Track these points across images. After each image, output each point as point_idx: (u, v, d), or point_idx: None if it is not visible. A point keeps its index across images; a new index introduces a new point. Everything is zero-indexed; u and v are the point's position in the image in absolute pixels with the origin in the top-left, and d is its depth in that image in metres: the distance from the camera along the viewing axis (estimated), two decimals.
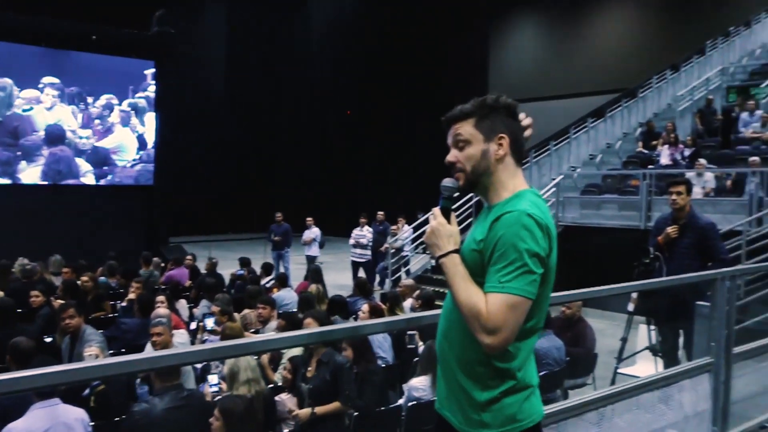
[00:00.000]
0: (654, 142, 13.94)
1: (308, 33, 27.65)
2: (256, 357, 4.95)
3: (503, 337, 1.76)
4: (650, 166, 12.68)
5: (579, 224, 12.06)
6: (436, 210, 1.97)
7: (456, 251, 1.91)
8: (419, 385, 4.72)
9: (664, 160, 12.86)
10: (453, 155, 1.99)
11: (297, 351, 5.12)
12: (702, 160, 11.51)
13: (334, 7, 27.37)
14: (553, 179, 13.16)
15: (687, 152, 12.72)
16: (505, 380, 1.87)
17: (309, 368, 4.46)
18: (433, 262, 13.15)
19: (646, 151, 14.04)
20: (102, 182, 15.34)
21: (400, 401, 4.96)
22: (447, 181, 2.01)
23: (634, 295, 5.55)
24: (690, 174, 11.10)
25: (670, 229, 5.06)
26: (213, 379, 4.75)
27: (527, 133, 2.05)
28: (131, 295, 7.37)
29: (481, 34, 24.15)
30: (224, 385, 4.54)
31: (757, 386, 4.52)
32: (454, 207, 2.04)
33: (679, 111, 15.45)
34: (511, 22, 25.28)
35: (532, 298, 1.79)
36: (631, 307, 5.59)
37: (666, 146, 13.02)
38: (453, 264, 1.88)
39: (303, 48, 27.32)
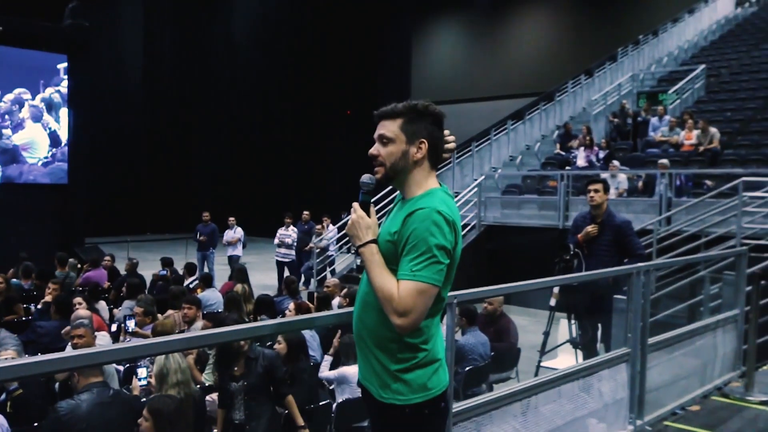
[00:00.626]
0: (570, 143, 14.44)
1: (229, 27, 27.22)
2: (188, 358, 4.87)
3: (412, 318, 1.99)
4: (567, 168, 13.14)
5: (500, 223, 12.36)
6: (356, 204, 2.18)
7: (374, 241, 2.12)
8: (348, 372, 4.80)
9: (581, 161, 13.35)
10: (376, 149, 2.19)
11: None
12: (615, 162, 12.02)
13: (256, 1, 27.03)
14: (475, 179, 13.45)
15: (602, 154, 13.23)
16: (415, 353, 2.10)
17: (236, 368, 4.39)
18: (358, 261, 13.24)
19: (563, 153, 14.53)
20: (12, 181, 14.60)
21: (330, 374, 5.04)
22: (365, 177, 2.21)
23: (556, 290, 5.76)
24: (604, 175, 11.56)
25: (590, 228, 5.27)
26: (142, 372, 4.64)
27: (449, 146, 2.29)
28: (47, 297, 7.09)
29: (403, 36, 24.41)
30: (153, 381, 4.43)
31: (669, 375, 4.77)
32: (374, 200, 2.25)
33: (593, 115, 16.06)
34: (432, 25, 25.67)
35: (439, 285, 2.02)
36: (552, 302, 5.79)
37: (582, 148, 13.51)
38: (371, 253, 2.10)
39: (224, 43, 26.89)
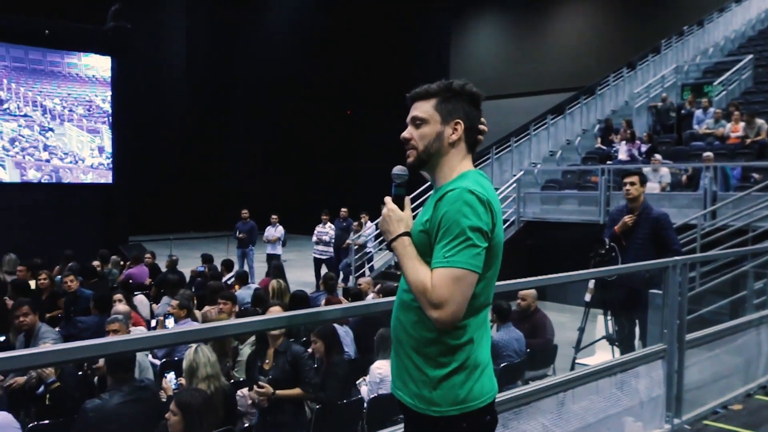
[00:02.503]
0: (611, 137, 14.19)
1: (267, 26, 27.45)
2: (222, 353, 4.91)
3: (450, 310, 1.79)
4: (608, 162, 12.90)
5: (539, 219, 12.21)
6: (387, 198, 2.02)
7: (406, 234, 1.95)
8: (379, 369, 4.77)
9: (622, 155, 13.09)
10: (408, 132, 2.04)
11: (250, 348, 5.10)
12: (658, 156, 11.75)
13: (295, 2, 27.21)
14: (514, 175, 13.30)
15: (644, 148, 12.96)
16: (456, 357, 1.89)
17: (266, 360, 4.42)
18: (395, 259, 13.18)
19: (604, 147, 14.28)
20: (59, 181, 14.99)
21: (363, 383, 5.02)
22: (397, 169, 2.06)
23: (591, 285, 5.65)
24: (646, 169, 11.32)
25: (627, 218, 5.14)
26: (172, 378, 4.70)
27: (481, 127, 2.09)
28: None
29: (442, 33, 24.28)
30: (183, 381, 4.49)
31: (710, 372, 4.64)
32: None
33: (635, 108, 15.73)
34: (472, 20, 25.47)
35: (477, 271, 1.82)
36: (587, 297, 5.68)
37: (623, 142, 13.25)
38: (403, 246, 1.93)
39: (262, 42, 27.12)
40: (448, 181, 1.97)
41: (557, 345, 6.37)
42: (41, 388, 4.47)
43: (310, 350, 4.95)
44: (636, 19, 21.16)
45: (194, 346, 4.29)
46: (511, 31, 24.64)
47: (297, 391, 4.33)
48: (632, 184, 5.15)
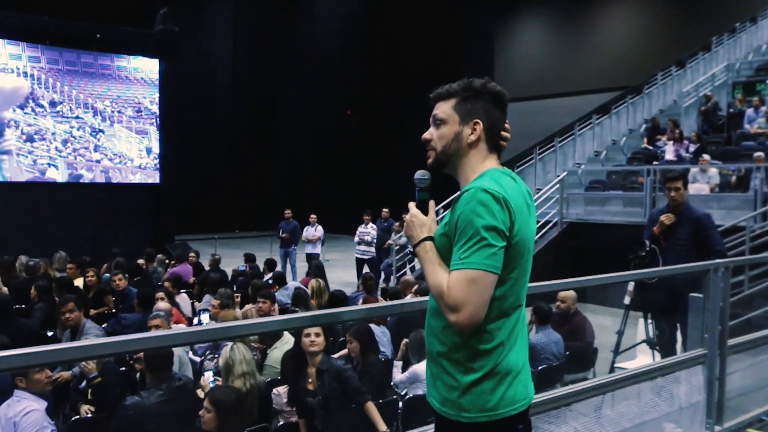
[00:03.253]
0: (659, 137, 13.90)
1: (311, 28, 27.64)
2: (252, 350, 4.97)
3: (468, 313, 1.75)
4: (655, 162, 12.64)
5: (583, 221, 12.03)
6: (411, 204, 2.00)
7: (429, 239, 1.93)
8: (421, 368, 4.78)
9: (669, 156, 12.82)
10: (429, 133, 2.04)
11: (285, 348, 5.13)
12: (706, 156, 11.47)
13: (339, 4, 27.35)
14: (558, 176, 13.12)
15: (692, 148, 12.67)
16: (486, 362, 1.85)
17: (309, 380, 4.33)
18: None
19: (650, 148, 14.00)
20: (108, 181, 15.39)
21: (401, 377, 5.01)
22: (419, 174, 2.05)
23: (630, 288, 5.54)
24: (694, 170, 11.07)
25: (663, 217, 5.00)
26: (209, 377, 4.77)
27: (504, 134, 2.04)
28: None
29: (486, 32, 24.09)
30: (219, 380, 4.56)
31: (755, 378, 4.51)
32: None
33: (684, 107, 15.37)
34: (516, 20, 25.24)
35: (493, 272, 1.77)
36: (627, 300, 5.57)
37: (671, 142, 12.97)
38: (424, 251, 1.91)
39: (307, 45, 27.32)
40: (469, 182, 1.93)
41: (597, 348, 6.26)
42: (84, 383, 4.59)
43: (345, 350, 4.95)
44: (685, 16, 20.68)
45: (230, 343, 4.36)
46: (556, 30, 24.33)
47: (373, 408, 4.17)
48: (677, 189, 4.99)
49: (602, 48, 22.49)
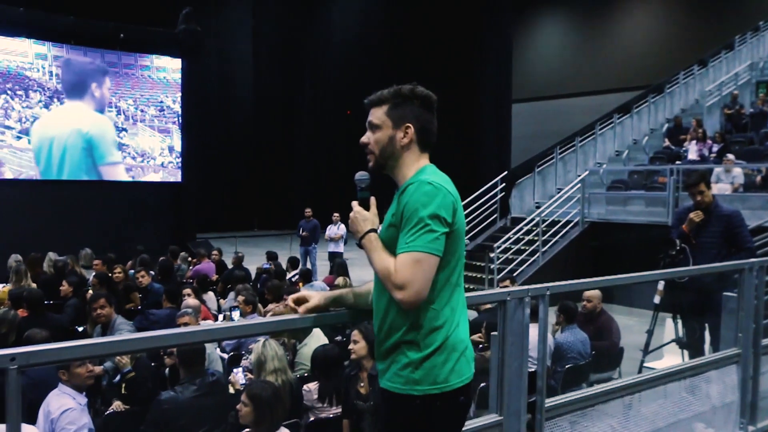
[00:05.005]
0: (682, 137, 13.81)
1: (330, 28, 27.71)
2: (283, 346, 5.00)
3: (413, 290, 1.94)
4: (678, 162, 12.57)
5: (605, 220, 11.99)
6: (354, 202, 2.19)
7: (372, 231, 2.11)
8: None
9: (692, 155, 12.74)
10: (365, 137, 2.20)
11: (314, 345, 5.15)
12: (730, 156, 11.38)
13: (358, 4, 27.40)
14: (579, 175, 13.08)
15: (715, 148, 12.57)
16: (436, 338, 2.02)
17: (361, 384, 4.36)
18: None
19: (673, 147, 13.91)
20: (131, 178, 15.54)
21: None
22: (359, 174, 2.24)
23: (660, 287, 5.52)
24: (718, 170, 10.99)
25: (693, 215, 4.98)
26: (240, 374, 4.81)
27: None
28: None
29: (504, 31, 24.05)
30: (251, 376, 4.60)
31: None
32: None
33: (707, 107, 15.25)
34: (535, 19, 25.14)
35: (436, 254, 1.96)
36: (657, 299, 5.55)
37: (693, 142, 12.89)
38: (369, 241, 2.08)
39: (327, 43, 27.39)
40: (407, 178, 2.11)
41: (623, 348, 6.25)
42: (117, 377, 4.66)
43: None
44: (708, 15, 20.50)
45: (262, 339, 4.40)
46: (576, 29, 24.21)
47: None
48: (701, 192, 4.99)
49: (623, 47, 22.34)
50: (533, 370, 4.77)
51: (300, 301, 2.28)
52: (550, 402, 2.94)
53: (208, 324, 5.99)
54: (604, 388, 3.25)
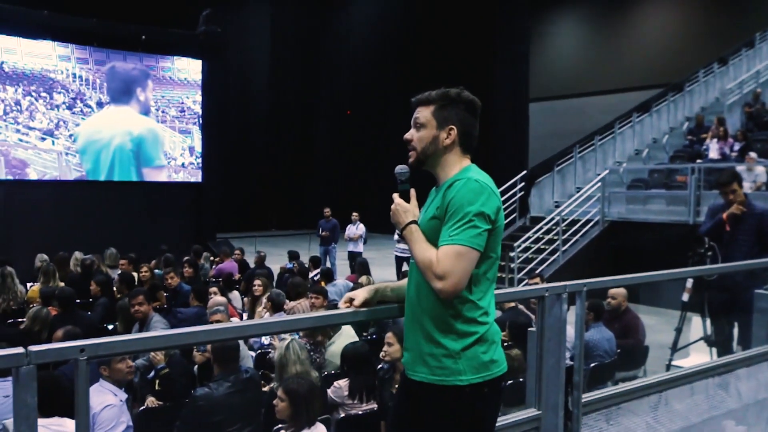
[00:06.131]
0: (703, 135, 13.74)
1: (348, 28, 27.78)
2: (307, 347, 5.05)
3: (452, 281, 2.01)
4: (698, 161, 12.51)
5: (625, 219, 11.97)
6: (395, 195, 2.27)
7: (413, 222, 2.18)
8: None
9: (713, 154, 12.67)
10: (410, 134, 2.28)
11: (343, 342, 5.20)
12: (752, 154, 11.32)
13: (375, 4, 27.46)
14: (598, 174, 13.06)
15: (736, 146, 12.50)
16: (477, 329, 2.10)
17: (396, 385, 4.38)
18: None
19: (694, 145, 13.85)
20: (154, 179, 15.70)
21: None
22: (399, 168, 2.31)
23: (689, 285, 5.52)
24: (740, 168, 10.92)
25: (735, 208, 4.98)
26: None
27: None
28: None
29: (521, 31, 23.96)
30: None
31: None
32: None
33: (727, 105, 15.16)
34: (552, 16, 25.03)
35: (477, 249, 2.03)
36: (685, 297, 5.55)
37: (715, 140, 12.82)
38: (411, 232, 2.16)
39: (344, 44, 27.47)
40: (450, 176, 2.18)
41: (648, 346, 6.25)
42: (152, 373, 4.74)
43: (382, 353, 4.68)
44: (728, 12, 20.32)
45: (287, 340, 4.44)
46: (595, 27, 24.10)
47: None
48: (733, 192, 4.99)
49: (642, 45, 22.20)
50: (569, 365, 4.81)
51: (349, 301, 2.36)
52: (587, 397, 2.98)
53: (241, 321, 6.06)
54: (637, 385, 3.28)
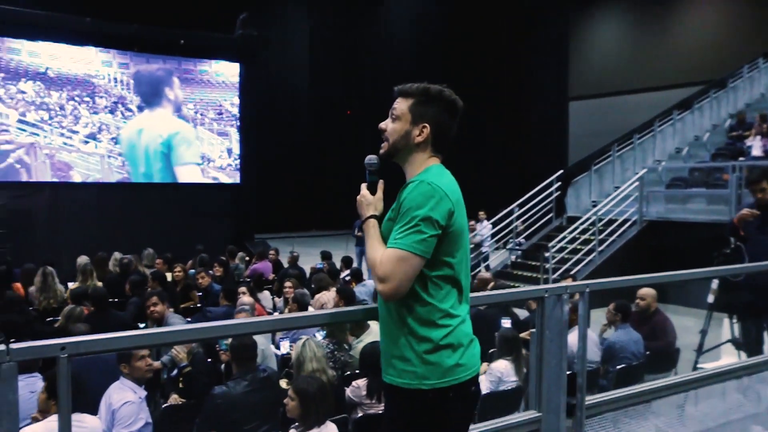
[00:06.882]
0: (746, 133, 13.38)
1: (388, 30, 27.85)
2: (324, 344, 5.09)
3: (392, 285, 1.99)
4: (741, 159, 12.19)
5: (664, 219, 11.74)
6: (363, 185, 2.29)
7: (374, 217, 2.19)
8: (499, 368, 4.80)
9: (756, 151, 12.34)
10: (384, 123, 2.26)
11: (373, 339, 5.23)
12: None
13: (412, 5, 27.47)
14: (637, 173, 12.83)
15: None
16: (436, 332, 2.05)
17: None
18: (512, 257, 13.12)
19: (736, 143, 13.50)
20: (193, 181, 16.00)
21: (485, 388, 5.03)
22: (369, 158, 2.32)
23: (714, 286, 5.40)
24: None
25: (746, 211, 4.87)
26: None
27: None
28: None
29: (560, 29, 23.71)
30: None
31: None
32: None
33: None
34: (591, 13, 24.64)
35: (420, 255, 1.99)
36: (710, 298, 5.43)
37: (758, 137, 12.48)
38: (368, 227, 2.17)
39: (382, 46, 27.56)
40: (412, 176, 2.15)
41: (679, 349, 6.12)
42: (175, 371, 4.84)
43: None
44: None
45: (303, 339, 4.51)
46: (635, 23, 23.62)
47: None
48: (762, 190, 4.86)
49: (683, 41, 21.69)
50: (588, 369, 4.75)
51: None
52: (591, 400, 2.94)
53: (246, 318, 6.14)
54: (646, 387, 3.23)
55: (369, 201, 2.25)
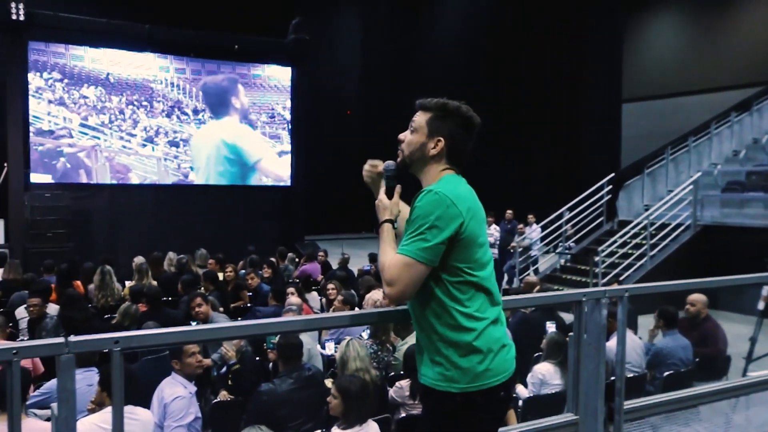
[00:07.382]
0: None
1: (440, 32, 27.84)
2: (368, 345, 5.17)
3: (397, 290, 2.07)
4: None
5: (719, 224, 11.46)
6: (381, 189, 2.35)
7: (389, 221, 2.26)
8: (541, 371, 4.81)
9: None
10: (403, 135, 2.38)
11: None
12: None
13: (464, 7, 27.39)
14: (691, 176, 12.56)
15: None
16: (468, 338, 2.10)
17: None
18: (562, 261, 13.00)
19: None
20: (244, 182, 16.34)
21: (525, 392, 5.04)
22: (387, 164, 2.40)
23: (764, 293, 5.29)
24: None
25: None
26: None
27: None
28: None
29: (614, 31, 23.27)
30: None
31: None
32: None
33: None
34: (646, 14, 24.16)
35: (424, 262, 2.05)
36: (761, 305, 5.32)
37: None
38: (382, 230, 2.25)
39: (435, 49, 27.56)
40: (428, 186, 2.20)
41: (730, 356, 6.00)
42: (224, 369, 5.00)
43: None
44: None
45: (347, 339, 4.61)
46: (691, 23, 23.06)
47: (512, 414, 4.27)
48: None
49: (742, 40, 21.06)
50: (632, 375, 4.72)
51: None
52: (630, 404, 2.95)
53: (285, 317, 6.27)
54: (686, 393, 3.21)
55: (385, 205, 2.31)
